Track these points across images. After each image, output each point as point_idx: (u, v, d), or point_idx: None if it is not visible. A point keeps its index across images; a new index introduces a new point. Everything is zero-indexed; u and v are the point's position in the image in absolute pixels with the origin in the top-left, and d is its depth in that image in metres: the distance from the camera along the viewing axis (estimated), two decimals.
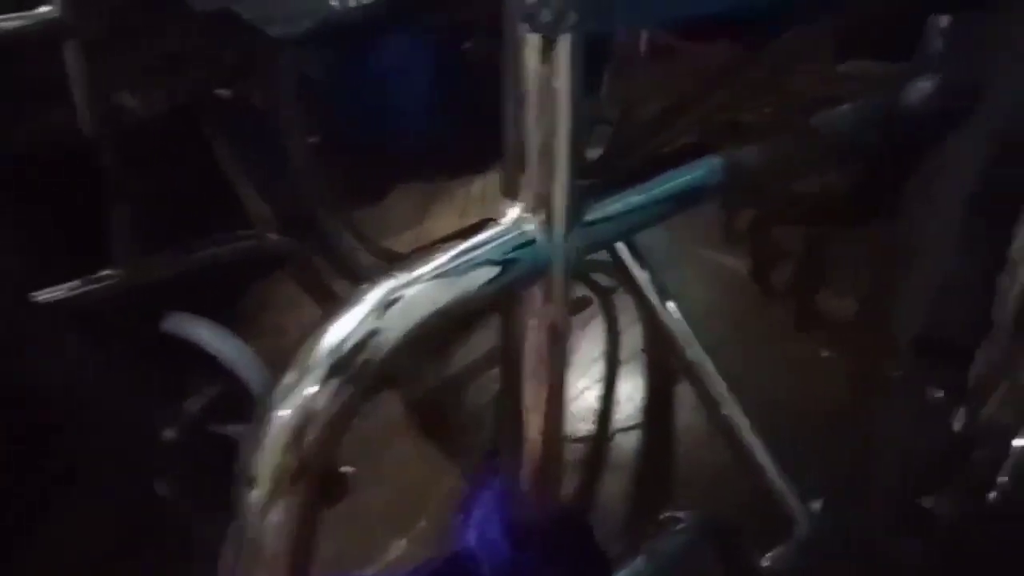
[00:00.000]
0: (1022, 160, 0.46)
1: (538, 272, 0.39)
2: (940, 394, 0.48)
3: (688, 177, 0.45)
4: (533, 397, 0.41)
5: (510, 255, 0.37)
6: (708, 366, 0.71)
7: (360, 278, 0.36)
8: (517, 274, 0.38)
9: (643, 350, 1.25)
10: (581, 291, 1.33)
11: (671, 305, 0.73)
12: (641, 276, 0.73)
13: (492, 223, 0.38)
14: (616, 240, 0.44)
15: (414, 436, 1.09)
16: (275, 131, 0.83)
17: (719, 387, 0.71)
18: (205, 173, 0.91)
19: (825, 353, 0.52)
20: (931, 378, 0.51)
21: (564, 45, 0.35)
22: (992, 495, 0.50)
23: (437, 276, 0.36)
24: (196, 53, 0.75)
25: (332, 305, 0.34)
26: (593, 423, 1.17)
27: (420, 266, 0.36)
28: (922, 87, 0.51)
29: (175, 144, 0.86)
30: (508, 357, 0.41)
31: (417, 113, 0.79)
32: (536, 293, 0.39)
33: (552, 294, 0.40)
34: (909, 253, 0.49)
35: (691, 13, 0.43)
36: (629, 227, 0.44)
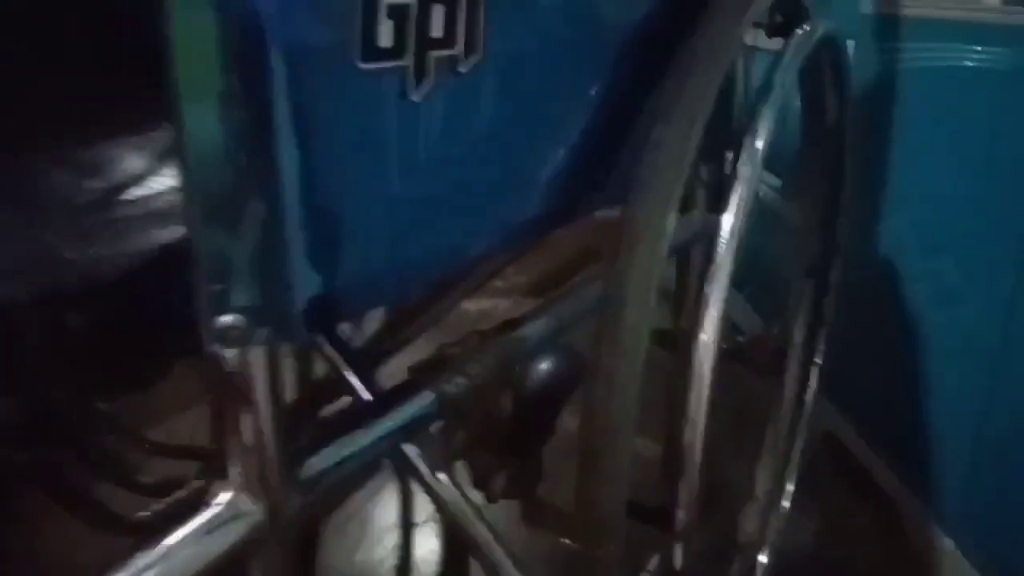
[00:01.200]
0: None
1: (260, 544, 0.41)
2: None
3: (401, 414, 0.51)
4: None
5: (223, 534, 0.39)
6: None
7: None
8: (236, 551, 0.40)
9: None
10: None
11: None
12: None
13: (204, 505, 0.40)
14: (339, 486, 0.48)
15: None
16: None
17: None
18: None
19: (564, 540, 0.56)
20: None
21: (258, 357, 0.39)
22: None
23: (150, 568, 0.37)
24: None
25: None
26: None
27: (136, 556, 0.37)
28: None
29: None
30: None
31: None
32: (263, 565, 0.41)
33: (284, 563, 0.42)
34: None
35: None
36: (350, 472, 0.48)
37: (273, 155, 0.36)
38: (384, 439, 0.49)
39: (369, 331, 0.86)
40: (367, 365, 0.76)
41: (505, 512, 0.71)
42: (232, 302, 0.37)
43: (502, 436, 0.55)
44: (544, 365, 0.51)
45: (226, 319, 0.37)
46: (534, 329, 0.58)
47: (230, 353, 0.39)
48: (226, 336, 0.37)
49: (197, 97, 0.33)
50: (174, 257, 0.42)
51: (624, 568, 0.51)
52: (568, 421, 0.55)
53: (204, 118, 0.34)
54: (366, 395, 0.68)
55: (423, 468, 0.75)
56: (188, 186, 0.35)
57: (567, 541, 0.54)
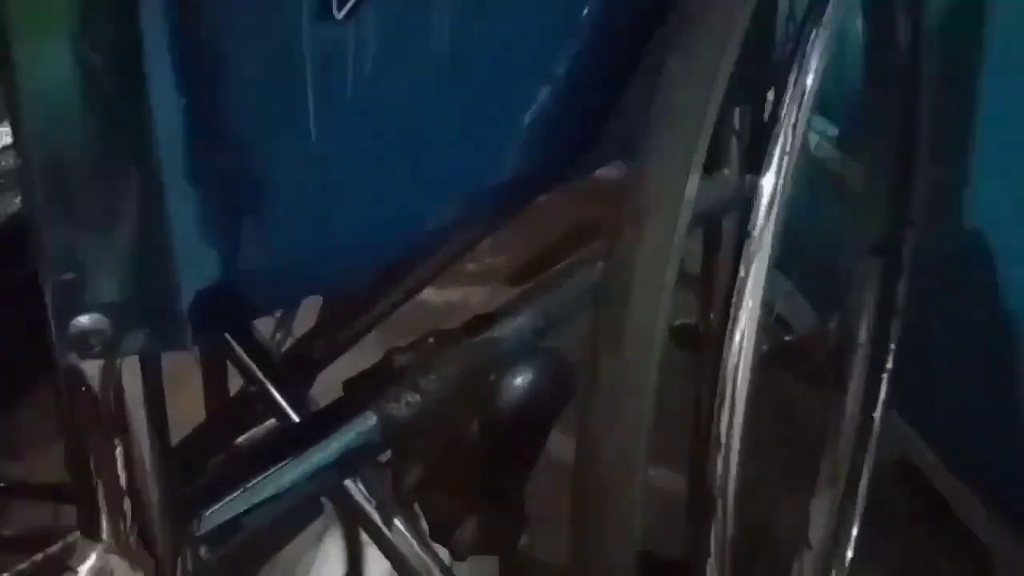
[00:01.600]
0: None
1: None
2: None
3: (336, 443, 0.49)
4: None
5: None
6: None
7: None
8: None
9: None
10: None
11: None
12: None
13: (69, 570, 0.39)
14: (260, 539, 0.47)
15: None
16: None
17: None
18: None
19: None
20: None
21: (131, 370, 0.38)
22: None
23: None
24: None
25: None
26: None
27: None
28: None
29: None
30: None
31: None
32: None
33: None
34: None
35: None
36: (268, 520, 0.47)
37: (145, 101, 0.34)
38: (312, 477, 0.48)
39: (297, 332, 0.85)
40: (294, 378, 0.75)
41: (480, 570, 0.71)
42: (91, 298, 0.35)
43: (469, 472, 0.54)
44: (524, 376, 0.49)
45: (83, 321, 0.35)
46: (512, 328, 0.57)
47: (91, 366, 0.37)
48: (85, 343, 0.36)
49: (38, 30, 0.32)
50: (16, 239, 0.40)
51: None
52: (558, 449, 0.54)
53: (47, 55, 0.32)
54: (292, 416, 0.67)
55: (371, 513, 0.75)
56: (26, 145, 0.33)
57: None
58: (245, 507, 0.45)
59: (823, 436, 1.14)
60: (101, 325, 0.36)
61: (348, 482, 0.75)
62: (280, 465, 0.47)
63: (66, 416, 0.39)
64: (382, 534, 0.77)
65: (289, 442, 0.50)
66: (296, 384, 0.79)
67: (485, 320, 0.58)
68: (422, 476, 0.53)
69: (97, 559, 0.40)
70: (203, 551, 0.43)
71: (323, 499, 1.36)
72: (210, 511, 0.44)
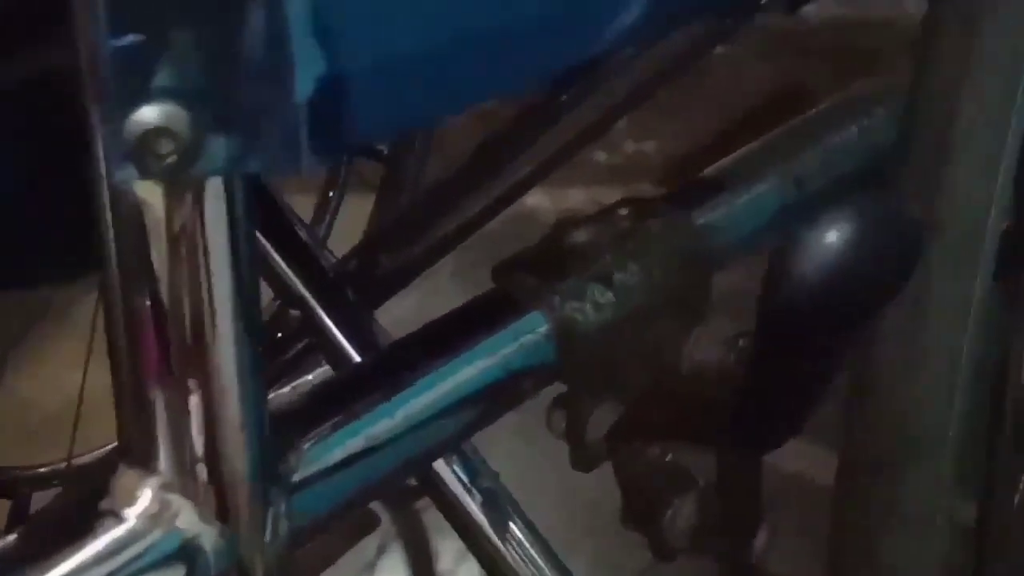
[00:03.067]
0: None
1: None
2: None
3: (480, 366, 0.48)
4: None
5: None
6: None
7: None
8: None
9: None
10: None
11: (516, 529, 0.77)
12: (456, 481, 0.76)
13: (109, 515, 0.39)
14: (362, 502, 0.46)
15: None
16: None
17: None
18: None
19: None
20: None
21: (215, 202, 0.37)
22: None
23: None
24: None
25: None
26: None
27: None
28: None
29: None
30: None
31: None
32: None
33: None
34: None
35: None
36: (386, 477, 0.46)
37: None
38: (446, 412, 0.47)
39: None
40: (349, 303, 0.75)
41: None
42: (165, 77, 0.34)
43: (694, 421, 0.52)
44: (819, 245, 0.46)
45: (147, 115, 0.34)
46: (747, 196, 0.57)
47: (151, 192, 0.36)
48: (148, 151, 0.35)
49: None
50: None
51: None
52: None
53: None
54: (350, 354, 0.68)
55: (474, 511, 0.74)
56: None
57: None
58: (359, 446, 0.44)
59: None
60: (175, 123, 0.35)
61: (441, 464, 0.76)
62: (401, 391, 0.47)
63: (109, 275, 0.38)
64: (488, 544, 0.77)
65: (407, 359, 0.49)
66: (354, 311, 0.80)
67: (705, 184, 0.57)
68: (615, 425, 0.52)
69: (152, 500, 0.39)
70: (295, 506, 0.42)
71: (380, 508, 1.45)
72: (310, 443, 0.43)
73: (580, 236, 0.53)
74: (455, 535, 0.80)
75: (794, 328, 0.45)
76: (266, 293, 0.78)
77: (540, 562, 0.76)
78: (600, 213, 0.55)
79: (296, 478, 0.43)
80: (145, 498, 0.40)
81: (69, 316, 1.60)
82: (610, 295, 0.51)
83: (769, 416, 0.49)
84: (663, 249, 0.53)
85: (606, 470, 0.59)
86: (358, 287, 0.84)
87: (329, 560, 1.39)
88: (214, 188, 0.37)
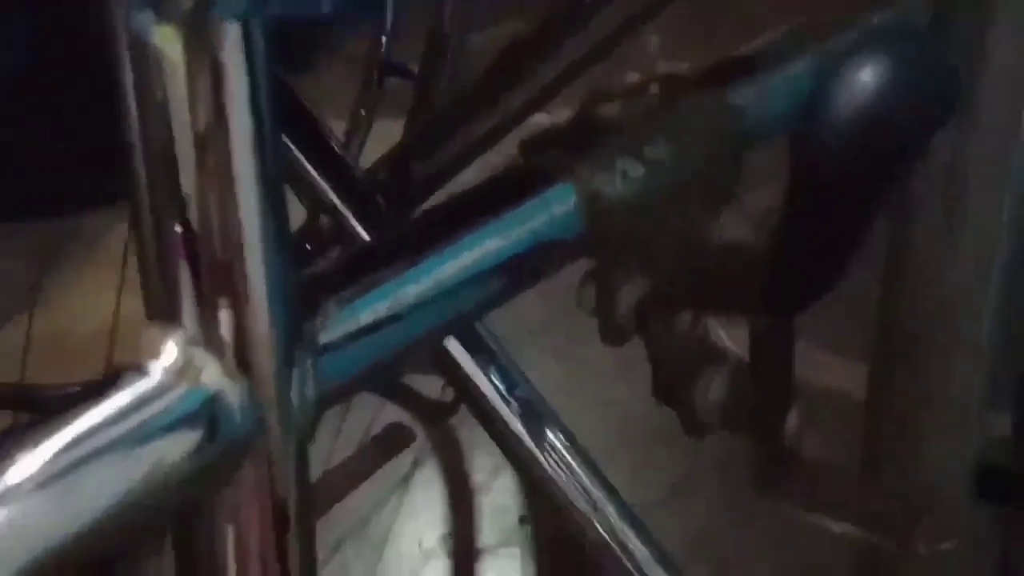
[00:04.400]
0: None
1: (237, 451, 0.39)
2: None
3: (508, 236, 0.47)
4: None
5: (181, 432, 0.38)
6: (627, 534, 0.73)
7: None
8: (198, 463, 0.38)
9: (520, 519, 1.33)
10: (392, 415, 1.42)
11: (553, 437, 0.75)
12: (493, 391, 0.75)
13: (133, 371, 0.38)
14: (389, 373, 0.45)
15: None
16: None
17: (651, 571, 0.74)
18: None
19: (812, 518, 0.55)
20: None
21: (234, 38, 0.35)
22: None
23: (45, 484, 0.35)
24: None
25: None
26: None
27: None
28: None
29: None
30: None
31: None
32: (245, 483, 0.40)
33: (273, 483, 0.40)
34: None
35: None
36: (412, 342, 0.45)
37: None
38: (473, 280, 0.46)
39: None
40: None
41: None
42: None
43: (725, 291, 0.51)
44: (859, 84, 0.44)
45: None
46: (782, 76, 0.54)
47: (169, 39, 0.35)
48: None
49: None
50: None
51: None
52: None
53: None
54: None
55: (509, 418, 0.73)
56: None
57: (847, 528, 0.52)
58: (387, 310, 0.43)
59: None
60: None
61: (478, 374, 0.75)
62: (429, 256, 0.45)
63: (128, 125, 0.37)
64: (525, 452, 0.76)
65: (435, 227, 0.47)
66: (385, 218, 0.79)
67: (739, 63, 0.55)
68: (644, 297, 0.50)
69: (177, 354, 0.38)
70: (322, 368, 0.41)
71: (414, 424, 1.45)
72: (338, 305, 0.42)
73: (610, 110, 0.52)
74: (489, 450, 0.80)
75: (825, 174, 0.43)
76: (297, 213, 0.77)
77: (579, 470, 0.75)
78: (631, 88, 0.53)
79: (323, 339, 0.42)
80: (170, 352, 0.38)
81: (102, 242, 1.60)
82: (640, 168, 0.50)
83: (799, 277, 0.47)
84: (695, 125, 0.51)
85: (639, 383, 0.58)
86: (388, 195, 0.82)
87: (365, 474, 1.40)
88: (234, 33, 0.35)
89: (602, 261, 0.51)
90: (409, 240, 0.47)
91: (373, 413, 1.49)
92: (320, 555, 1.30)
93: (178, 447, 0.38)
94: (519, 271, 0.48)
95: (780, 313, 0.50)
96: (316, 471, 1.32)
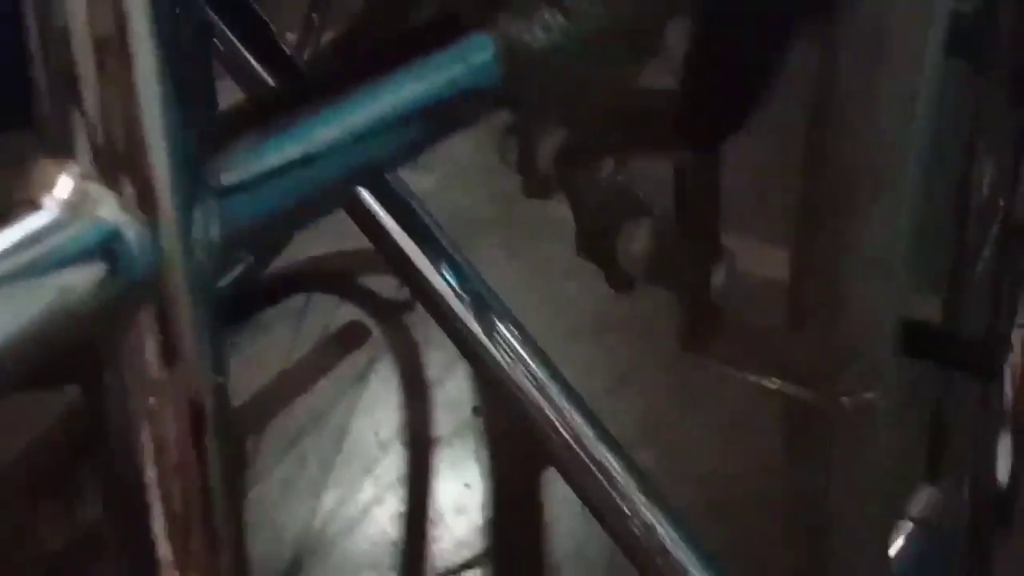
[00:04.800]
0: None
1: (138, 290, 0.38)
2: None
3: (424, 83, 0.46)
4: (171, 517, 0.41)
5: (79, 266, 0.37)
6: (576, 421, 0.73)
7: None
8: (97, 300, 0.37)
9: (474, 409, 1.33)
10: (349, 314, 1.42)
11: (505, 330, 0.75)
12: (446, 287, 0.74)
13: (27, 203, 0.37)
14: (296, 219, 0.44)
15: None
16: None
17: (601, 457, 0.74)
18: None
19: (736, 373, 0.55)
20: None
21: None
22: None
23: None
24: None
25: None
26: (401, 549, 1.21)
27: None
28: None
29: None
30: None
31: None
32: (145, 325, 0.39)
33: (176, 324, 0.40)
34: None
35: None
36: (320, 187, 0.44)
37: None
38: (386, 126, 0.45)
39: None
40: None
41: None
42: None
43: (645, 141, 0.50)
44: None
45: None
46: None
47: None
48: None
49: None
50: None
51: None
52: None
53: None
54: None
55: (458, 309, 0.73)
56: None
57: (773, 382, 0.51)
58: (296, 153, 0.42)
59: None
60: None
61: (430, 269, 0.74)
62: (341, 100, 0.44)
63: None
64: (478, 346, 0.76)
65: (354, 70, 0.46)
66: None
67: None
68: (566, 147, 0.49)
69: (72, 189, 0.37)
70: (227, 209, 0.40)
71: (370, 321, 1.45)
72: (243, 145, 0.41)
73: None
74: (443, 345, 0.79)
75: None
76: None
77: (529, 361, 0.74)
78: None
79: (227, 180, 0.41)
80: (64, 187, 0.37)
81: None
82: (560, 18, 0.49)
83: (714, 107, 0.46)
84: None
85: (589, 280, 0.57)
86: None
87: (323, 371, 1.40)
88: None
89: (523, 112, 0.50)
90: (320, 84, 0.46)
91: (332, 313, 1.49)
92: (278, 449, 1.32)
93: (76, 281, 0.37)
94: (434, 120, 0.47)
95: (699, 145, 0.49)
96: (275, 369, 1.33)
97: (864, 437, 0.57)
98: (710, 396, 1.28)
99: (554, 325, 1.36)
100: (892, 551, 0.80)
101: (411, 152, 0.47)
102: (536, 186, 0.50)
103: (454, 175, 1.40)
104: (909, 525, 0.81)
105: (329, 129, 0.43)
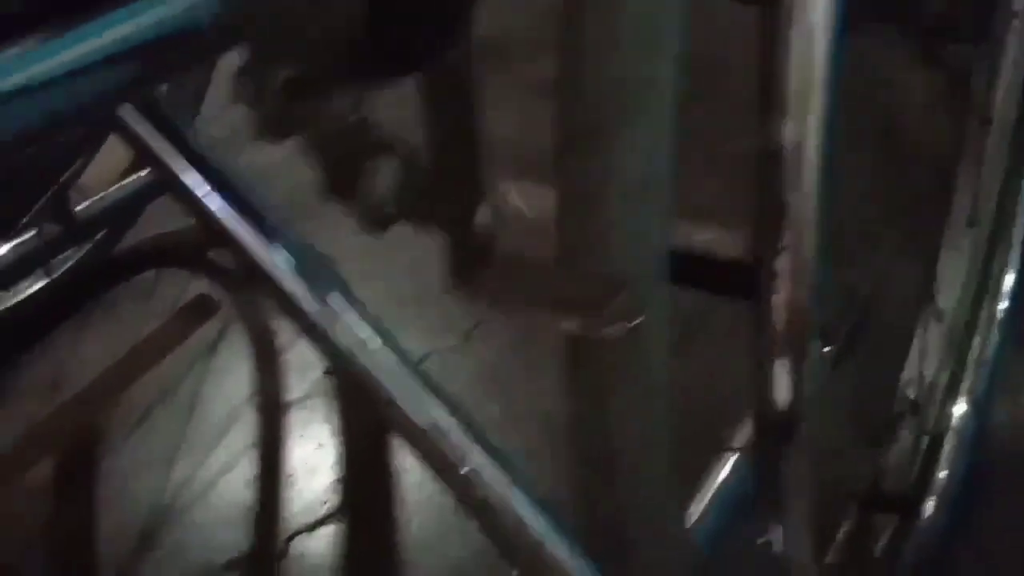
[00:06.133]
0: None
1: None
2: None
3: (139, 22, 0.43)
4: None
5: None
6: (414, 389, 0.72)
7: None
8: None
9: (325, 371, 1.31)
10: (199, 288, 1.40)
11: (336, 297, 0.73)
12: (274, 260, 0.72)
13: None
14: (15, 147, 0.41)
15: None
16: None
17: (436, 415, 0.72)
18: None
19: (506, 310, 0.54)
20: None
21: None
22: None
23: None
24: None
25: None
26: (254, 511, 1.19)
27: None
28: None
29: None
30: None
31: None
32: None
33: None
34: None
35: None
36: (46, 118, 0.41)
37: None
38: (88, 70, 0.42)
39: None
40: None
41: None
42: None
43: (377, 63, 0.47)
44: None
45: None
46: None
47: None
48: None
49: None
50: None
51: None
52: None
53: None
54: None
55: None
56: None
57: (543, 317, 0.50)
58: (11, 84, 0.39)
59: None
60: None
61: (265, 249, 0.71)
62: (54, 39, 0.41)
63: None
64: (312, 320, 0.73)
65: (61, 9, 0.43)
66: None
67: None
68: (294, 83, 0.47)
69: None
70: None
71: (219, 293, 1.42)
72: None
73: None
74: None
75: None
76: None
77: (369, 329, 0.72)
78: None
79: None
80: None
81: None
82: None
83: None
84: None
85: (431, 245, 0.55)
86: None
87: (173, 345, 1.37)
88: None
89: (252, 53, 0.47)
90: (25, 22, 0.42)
91: (182, 287, 1.46)
92: (129, 423, 1.28)
93: None
94: (153, 57, 0.44)
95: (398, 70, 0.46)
96: (126, 346, 1.29)
97: (636, 366, 0.56)
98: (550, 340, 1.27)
99: (396, 288, 1.36)
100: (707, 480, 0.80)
101: (133, 87, 0.44)
102: (271, 128, 0.48)
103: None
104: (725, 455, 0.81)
105: (37, 68, 0.40)
